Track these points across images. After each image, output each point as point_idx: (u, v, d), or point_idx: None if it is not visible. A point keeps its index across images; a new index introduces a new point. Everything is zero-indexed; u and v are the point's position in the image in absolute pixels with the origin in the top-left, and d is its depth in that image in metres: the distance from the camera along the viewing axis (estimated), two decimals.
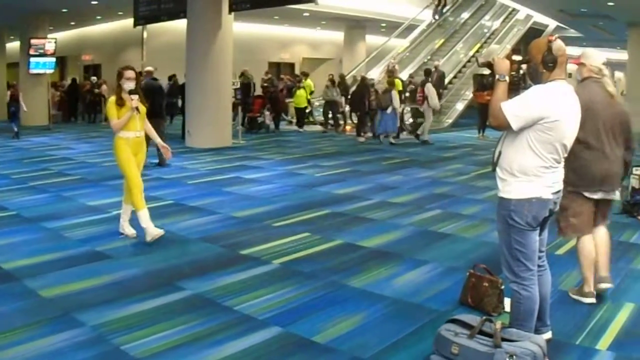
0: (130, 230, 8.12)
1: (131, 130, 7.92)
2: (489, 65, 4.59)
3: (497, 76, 4.46)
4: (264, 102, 23.31)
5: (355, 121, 22.21)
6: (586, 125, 5.34)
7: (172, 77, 23.69)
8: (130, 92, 7.89)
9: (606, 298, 6.15)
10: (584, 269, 6.08)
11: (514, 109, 4.28)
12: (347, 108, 23.44)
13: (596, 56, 6.07)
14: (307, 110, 25.20)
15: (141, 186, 7.97)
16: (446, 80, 25.41)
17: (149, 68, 15.96)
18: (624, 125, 5.97)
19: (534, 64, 4.48)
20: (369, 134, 20.90)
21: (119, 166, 8.00)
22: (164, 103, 15.24)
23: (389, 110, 19.29)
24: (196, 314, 5.57)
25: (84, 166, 14.24)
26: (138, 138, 8.04)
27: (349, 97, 22.48)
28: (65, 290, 6.07)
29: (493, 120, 4.42)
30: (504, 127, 4.38)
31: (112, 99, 7.97)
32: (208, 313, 5.61)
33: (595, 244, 6.11)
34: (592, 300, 6.06)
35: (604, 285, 6.08)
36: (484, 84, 4.74)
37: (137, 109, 7.89)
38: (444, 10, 30.86)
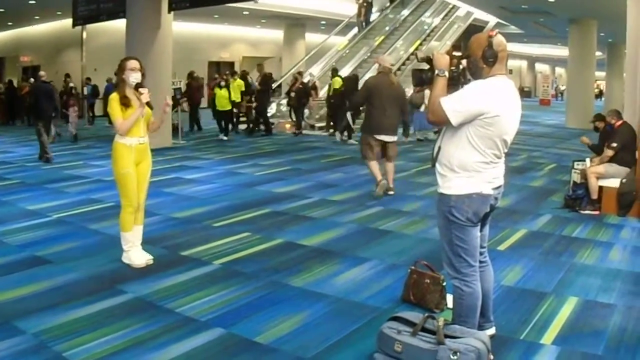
0: (138, 260, 7.04)
1: (135, 135, 6.91)
2: (428, 60, 4.56)
3: (436, 71, 4.45)
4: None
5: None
6: (374, 97, 10.65)
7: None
8: (137, 86, 6.93)
9: (549, 292, 6.26)
10: (374, 174, 11.01)
11: (453, 105, 4.28)
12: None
13: (387, 59, 11.86)
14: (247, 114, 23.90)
15: (136, 205, 7.05)
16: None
17: (41, 72, 16.89)
18: (399, 99, 11.12)
19: (474, 59, 4.47)
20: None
21: (116, 178, 7.06)
22: (53, 105, 15.98)
23: (422, 108, 19.41)
24: (138, 318, 5.54)
25: (24, 170, 14.03)
26: (142, 145, 7.01)
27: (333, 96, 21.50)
28: (5, 297, 5.98)
29: (432, 115, 4.42)
30: (443, 122, 4.38)
31: (115, 96, 6.88)
32: (150, 316, 5.59)
33: (385, 170, 11.09)
34: (385, 181, 11.02)
35: (390, 192, 11.06)
36: (422, 79, 4.83)
37: (147, 104, 6.91)
38: (371, 20, 30.62)
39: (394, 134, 10.95)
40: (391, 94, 10.81)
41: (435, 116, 4.39)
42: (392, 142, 10.95)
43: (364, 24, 30.11)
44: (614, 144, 10.03)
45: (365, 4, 29.78)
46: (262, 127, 22.39)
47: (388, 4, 31.58)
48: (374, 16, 31.05)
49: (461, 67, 4.64)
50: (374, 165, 10.93)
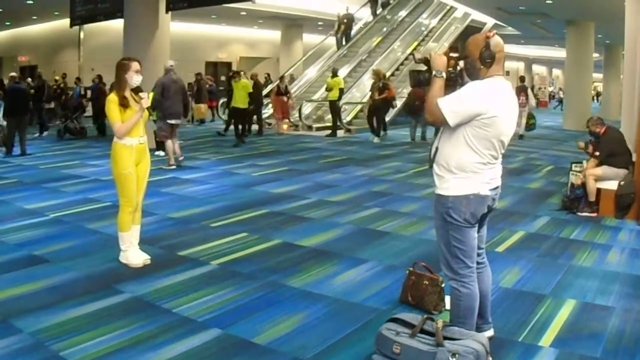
0: (136, 260, 7.03)
1: (134, 136, 6.90)
2: (426, 61, 4.55)
3: (433, 72, 4.43)
4: None
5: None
6: (166, 92, 13.77)
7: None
8: (136, 90, 7.00)
9: (547, 294, 6.26)
10: (169, 153, 14.23)
11: (451, 105, 4.27)
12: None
13: (169, 62, 14.58)
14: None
15: (135, 205, 7.04)
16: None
17: (13, 74, 18.46)
18: (181, 91, 14.47)
19: (471, 60, 4.45)
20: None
21: (117, 178, 7.01)
22: (26, 105, 16.85)
23: None
24: (135, 317, 5.53)
25: (21, 169, 14.02)
26: (142, 145, 7.01)
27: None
28: (2, 296, 5.97)
29: (429, 116, 4.41)
30: (441, 123, 4.37)
31: (113, 98, 6.83)
32: (147, 316, 5.58)
33: (174, 146, 14.21)
34: (175, 166, 14.05)
35: (181, 158, 14.32)
36: (420, 80, 4.84)
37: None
38: (351, 34, 30.06)
39: (180, 118, 14.47)
40: (176, 88, 14.28)
41: (432, 116, 4.38)
42: (178, 124, 14.49)
43: (343, 40, 29.64)
44: (597, 153, 10.02)
45: (345, 20, 29.48)
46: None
47: (371, 18, 31.30)
48: (370, 22, 30.93)
49: (458, 68, 4.63)
50: (170, 144, 14.26)
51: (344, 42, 29.44)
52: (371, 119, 20.68)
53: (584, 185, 10.00)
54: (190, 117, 25.17)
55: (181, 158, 14.42)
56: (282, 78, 23.99)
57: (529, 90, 22.97)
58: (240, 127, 19.55)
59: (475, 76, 4.45)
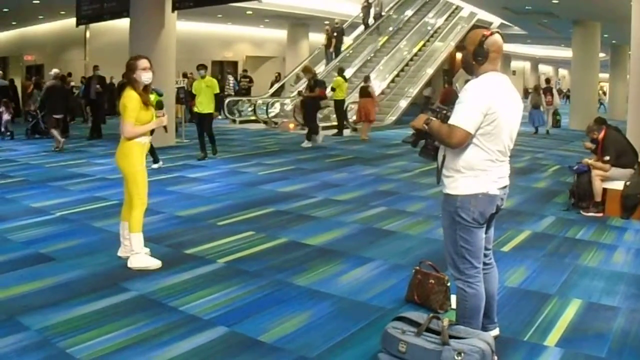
0: (153, 261, 6.95)
1: (146, 133, 6.92)
2: (419, 132, 4.63)
3: (423, 128, 4.49)
4: None
5: None
6: (52, 94, 18.19)
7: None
8: (146, 89, 6.90)
9: (553, 294, 6.26)
10: (58, 138, 17.23)
11: (461, 116, 4.24)
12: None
13: (55, 71, 18.59)
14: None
15: (146, 202, 7.08)
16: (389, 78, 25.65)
17: None
18: (65, 95, 19.02)
19: (466, 54, 4.47)
20: None
21: (131, 176, 6.95)
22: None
23: (542, 108, 23.97)
24: (142, 315, 5.54)
25: (27, 167, 14.05)
26: (149, 144, 7.10)
27: None
28: (9, 293, 5.99)
29: (451, 140, 4.29)
30: (465, 137, 4.26)
31: (135, 95, 6.70)
32: (154, 314, 5.58)
33: (60, 138, 16.97)
34: (59, 148, 16.32)
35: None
36: (431, 150, 4.93)
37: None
38: (342, 49, 29.51)
39: (62, 113, 18.26)
40: (60, 92, 18.39)
41: (454, 138, 4.27)
42: (60, 118, 18.21)
43: (333, 54, 29.19)
44: (607, 157, 9.94)
45: (335, 34, 29.18)
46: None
47: (363, 29, 31.10)
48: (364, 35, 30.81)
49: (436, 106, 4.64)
50: (55, 132, 17.58)
51: (334, 57, 29.00)
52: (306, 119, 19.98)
53: (590, 183, 9.97)
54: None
55: (62, 141, 17.57)
56: (367, 78, 22.00)
57: (554, 90, 25.00)
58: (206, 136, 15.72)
59: (469, 70, 4.53)
